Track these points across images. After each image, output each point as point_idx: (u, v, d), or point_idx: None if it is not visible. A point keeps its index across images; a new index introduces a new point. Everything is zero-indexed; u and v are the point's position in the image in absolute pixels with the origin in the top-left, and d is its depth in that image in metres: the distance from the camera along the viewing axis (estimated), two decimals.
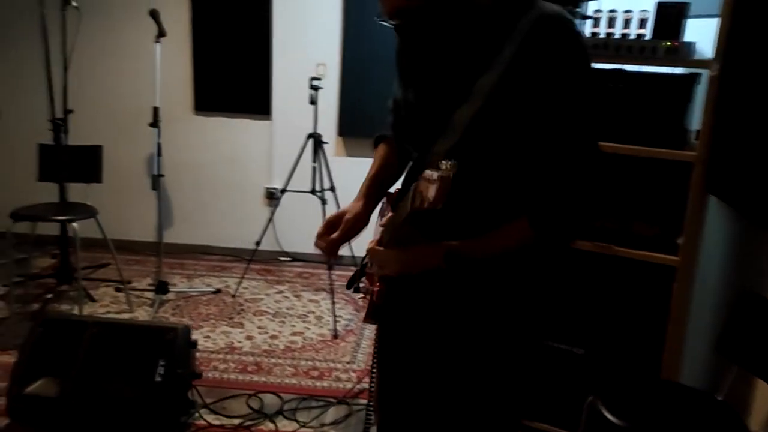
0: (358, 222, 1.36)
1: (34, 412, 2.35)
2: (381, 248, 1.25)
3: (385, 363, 1.45)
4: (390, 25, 1.16)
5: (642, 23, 2.06)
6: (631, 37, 2.07)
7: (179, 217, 4.46)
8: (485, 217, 1.19)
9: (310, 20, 4.09)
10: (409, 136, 1.34)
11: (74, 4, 3.39)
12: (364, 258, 1.39)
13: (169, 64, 3.97)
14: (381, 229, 1.31)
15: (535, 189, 1.16)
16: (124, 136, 4.18)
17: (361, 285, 1.43)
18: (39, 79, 3.64)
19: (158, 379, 2.35)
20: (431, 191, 0.94)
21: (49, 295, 3.48)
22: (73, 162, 3.49)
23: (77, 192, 3.62)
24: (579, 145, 1.15)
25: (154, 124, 3.39)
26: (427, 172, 0.95)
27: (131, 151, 4.15)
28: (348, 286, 1.48)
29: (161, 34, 3.44)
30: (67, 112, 3.53)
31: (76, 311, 3.33)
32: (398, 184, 1.43)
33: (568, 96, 1.12)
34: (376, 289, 1.31)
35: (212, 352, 3.10)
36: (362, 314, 1.62)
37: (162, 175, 3.45)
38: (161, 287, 3.58)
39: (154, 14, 3.45)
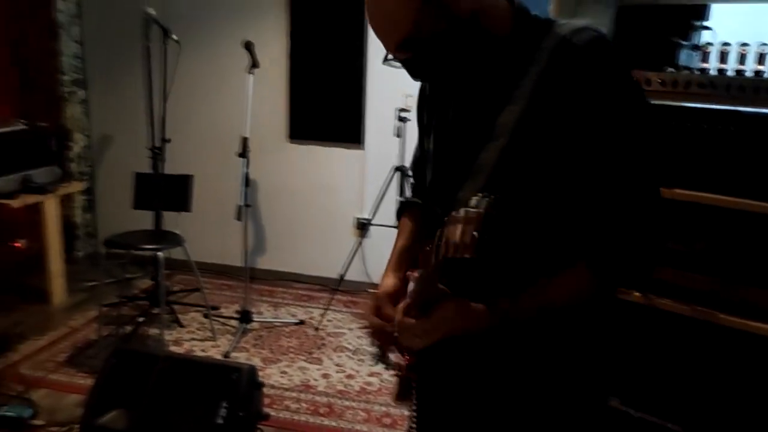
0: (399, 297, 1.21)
1: None
2: (411, 320, 1.07)
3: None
4: (398, 64, 1.09)
5: (761, 58, 1.76)
6: (747, 74, 1.78)
7: (272, 243, 4.50)
8: (527, 267, 1.05)
9: None
10: (434, 189, 1.22)
11: (174, 37, 3.51)
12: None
13: (266, 93, 4.04)
14: (410, 291, 1.15)
15: (587, 232, 1.03)
16: (218, 164, 4.27)
17: (392, 356, 1.26)
18: (141, 109, 3.81)
19: (220, 421, 2.31)
20: (459, 232, 0.83)
21: (141, 318, 3.58)
22: (166, 190, 3.59)
23: (171, 218, 3.72)
24: (627, 183, 1.01)
25: (243, 154, 3.41)
26: (454, 213, 0.84)
27: (225, 178, 4.23)
28: (380, 359, 1.36)
29: (254, 65, 3.48)
30: (165, 141, 3.64)
31: (161, 336, 3.39)
32: None
33: (604, 126, 0.98)
34: (405, 363, 1.16)
35: (286, 390, 3.03)
36: None
37: (248, 206, 3.47)
38: (245, 316, 3.58)
39: (248, 46, 3.50)
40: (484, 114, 1.07)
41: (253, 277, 3.91)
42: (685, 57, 1.95)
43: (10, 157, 3.53)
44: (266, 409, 2.66)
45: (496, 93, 1.06)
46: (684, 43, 1.96)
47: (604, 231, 1.01)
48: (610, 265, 1.02)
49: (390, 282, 1.24)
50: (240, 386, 2.38)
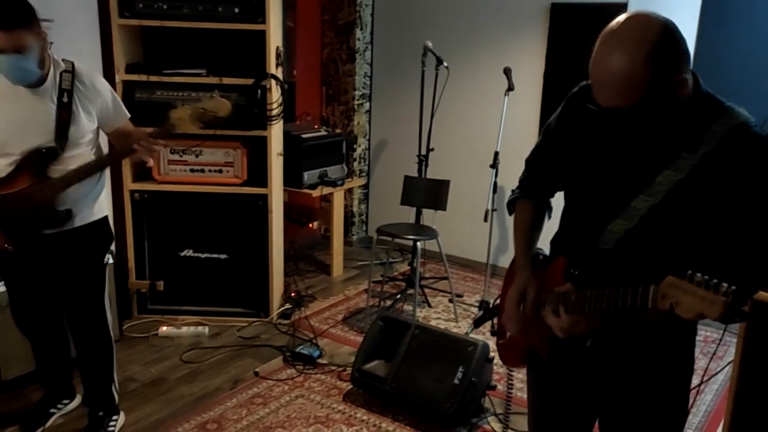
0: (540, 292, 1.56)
1: (368, 384, 3.08)
2: (566, 317, 1.41)
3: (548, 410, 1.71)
4: (597, 110, 1.27)
5: None
6: None
7: (513, 245, 4.95)
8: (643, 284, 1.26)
9: None
10: (575, 212, 1.51)
11: (445, 64, 4.17)
12: (486, 302, 1.67)
13: (519, 112, 4.47)
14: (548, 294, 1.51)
15: (712, 265, 1.22)
16: (472, 172, 4.80)
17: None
18: (413, 121, 4.55)
19: (456, 381, 2.87)
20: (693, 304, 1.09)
21: (398, 296, 4.32)
22: (427, 191, 4.27)
23: (429, 215, 4.40)
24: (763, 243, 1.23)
25: (494, 165, 3.94)
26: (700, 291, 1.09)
27: (477, 185, 4.76)
28: (476, 325, 1.79)
29: (510, 88, 3.99)
30: (429, 149, 4.34)
31: (413, 313, 4.08)
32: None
33: (763, 201, 1.22)
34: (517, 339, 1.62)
35: (511, 371, 3.49)
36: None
37: (495, 210, 3.97)
38: (485, 306, 4.12)
39: (506, 71, 4.01)
40: (644, 168, 1.31)
41: (493, 273, 4.41)
42: None
43: (316, 156, 4.51)
44: (494, 383, 3.15)
45: (661, 153, 1.29)
46: None
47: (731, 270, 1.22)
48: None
49: (530, 279, 1.57)
50: (474, 357, 2.91)
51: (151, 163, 2.64)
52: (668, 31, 1.19)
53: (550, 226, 1.69)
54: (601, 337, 1.45)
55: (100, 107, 2.42)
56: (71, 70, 2.34)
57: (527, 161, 1.70)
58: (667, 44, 1.19)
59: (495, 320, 1.84)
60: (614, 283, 1.31)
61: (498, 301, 1.80)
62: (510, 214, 1.73)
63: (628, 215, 1.35)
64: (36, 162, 2.30)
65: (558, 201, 1.68)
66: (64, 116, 2.29)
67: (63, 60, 2.36)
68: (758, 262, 1.26)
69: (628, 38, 1.19)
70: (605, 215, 1.40)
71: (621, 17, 1.24)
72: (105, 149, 2.62)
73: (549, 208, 1.71)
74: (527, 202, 1.68)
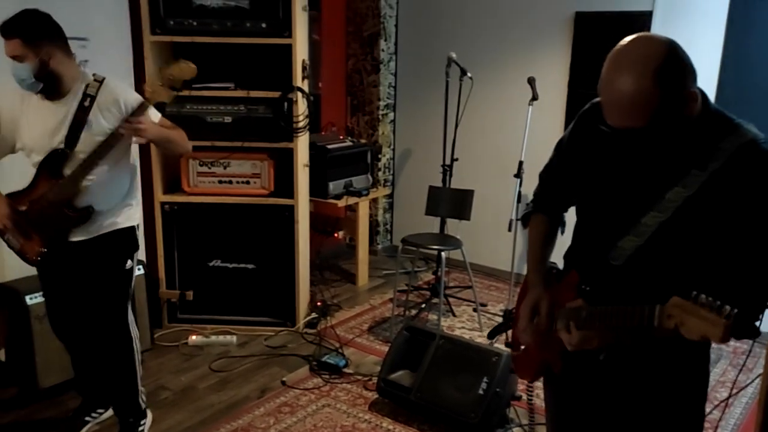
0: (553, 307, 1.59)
1: (393, 394, 3.11)
2: (576, 332, 1.43)
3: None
4: (609, 132, 1.32)
5: None
6: None
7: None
8: (653, 300, 1.29)
9: None
10: (587, 228, 1.55)
11: (469, 75, 4.19)
12: (510, 311, 1.68)
13: (543, 122, 4.47)
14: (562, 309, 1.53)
15: (716, 284, 1.25)
16: (496, 182, 4.81)
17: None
18: (437, 131, 4.58)
19: (481, 392, 2.89)
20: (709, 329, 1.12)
21: (423, 305, 4.35)
22: (451, 201, 4.30)
23: (453, 225, 4.42)
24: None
25: (518, 175, 3.95)
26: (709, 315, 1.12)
27: (501, 195, 4.76)
28: (491, 336, 1.81)
29: (534, 98, 4.00)
30: (453, 159, 4.37)
31: (438, 322, 4.10)
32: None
33: (761, 221, 1.26)
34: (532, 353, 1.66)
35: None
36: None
37: (519, 219, 3.98)
38: (508, 315, 4.11)
39: (530, 81, 4.03)
40: (654, 185, 1.34)
41: (517, 282, 4.41)
42: None
43: (341, 166, 4.55)
44: (519, 393, 3.16)
45: (671, 170, 1.32)
46: None
47: (738, 288, 1.26)
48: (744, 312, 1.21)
49: (542, 293, 1.60)
50: (499, 367, 2.93)
51: (142, 141, 2.68)
52: (671, 49, 1.23)
53: (565, 239, 1.72)
54: (615, 351, 1.47)
55: (116, 119, 2.45)
56: (101, 81, 2.46)
57: (541, 176, 1.74)
58: (672, 61, 1.22)
59: (510, 332, 1.87)
60: (625, 299, 1.34)
61: (513, 313, 1.83)
62: (524, 228, 1.77)
63: (639, 231, 1.38)
64: (51, 163, 2.43)
65: (571, 215, 1.71)
66: (80, 118, 2.41)
67: (94, 74, 2.48)
68: (763, 282, 1.28)
69: (634, 59, 1.23)
70: (616, 231, 1.43)
71: (625, 40, 1.28)
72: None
73: (562, 223, 1.75)
74: (541, 217, 1.72)
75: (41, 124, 2.43)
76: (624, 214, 1.41)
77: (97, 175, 2.46)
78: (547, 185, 1.72)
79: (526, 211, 1.76)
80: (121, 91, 2.50)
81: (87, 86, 2.43)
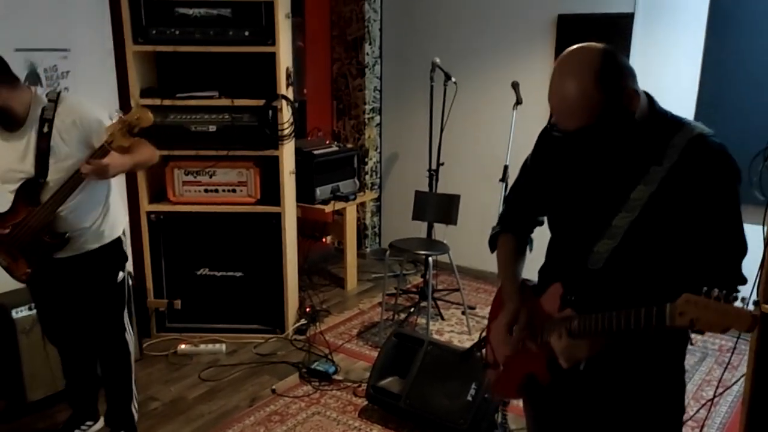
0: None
1: (383, 401, 3.12)
2: (568, 341, 1.45)
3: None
4: (561, 135, 1.41)
5: None
6: None
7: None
8: (638, 299, 1.34)
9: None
10: (563, 238, 1.59)
11: (453, 80, 4.21)
12: (482, 332, 1.71)
13: (527, 126, 4.48)
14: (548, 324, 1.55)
15: (692, 272, 1.34)
16: (481, 186, 4.77)
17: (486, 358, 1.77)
18: (424, 136, 4.59)
19: (469, 398, 2.90)
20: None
21: (412, 309, 4.36)
22: (438, 206, 4.31)
23: (440, 229, 4.43)
24: (734, 244, 1.36)
25: (503, 179, 3.97)
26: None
27: (487, 199, 4.74)
28: (464, 359, 1.82)
29: (518, 102, 4.01)
30: (439, 164, 4.38)
31: (426, 326, 4.12)
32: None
33: (727, 205, 1.35)
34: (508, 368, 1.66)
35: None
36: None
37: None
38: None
39: (514, 85, 4.03)
40: (618, 187, 1.41)
41: None
42: None
43: (328, 172, 4.55)
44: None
45: (630, 171, 1.39)
46: None
47: (711, 272, 1.33)
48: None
49: (518, 310, 1.64)
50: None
51: (108, 177, 2.61)
52: (608, 52, 1.34)
53: (536, 258, 1.75)
54: (595, 362, 1.49)
55: (77, 139, 2.43)
56: (55, 100, 2.43)
57: (507, 198, 1.81)
58: (610, 63, 1.33)
59: (484, 352, 1.85)
60: (610, 302, 1.37)
61: (484, 335, 1.83)
62: (492, 251, 1.79)
63: (612, 233, 1.43)
64: (27, 192, 2.43)
65: (540, 234, 1.75)
66: (43, 146, 2.39)
67: (47, 94, 2.46)
68: (727, 265, 1.36)
69: (576, 65, 1.34)
70: (590, 237, 1.47)
71: (566, 51, 1.39)
72: None
73: (530, 241, 1.80)
74: (509, 236, 1.76)
75: (4, 156, 2.42)
76: (595, 219, 1.46)
77: (72, 203, 2.46)
78: (513, 205, 1.77)
79: (493, 232, 1.79)
80: (77, 109, 2.45)
81: (43, 110, 2.40)
